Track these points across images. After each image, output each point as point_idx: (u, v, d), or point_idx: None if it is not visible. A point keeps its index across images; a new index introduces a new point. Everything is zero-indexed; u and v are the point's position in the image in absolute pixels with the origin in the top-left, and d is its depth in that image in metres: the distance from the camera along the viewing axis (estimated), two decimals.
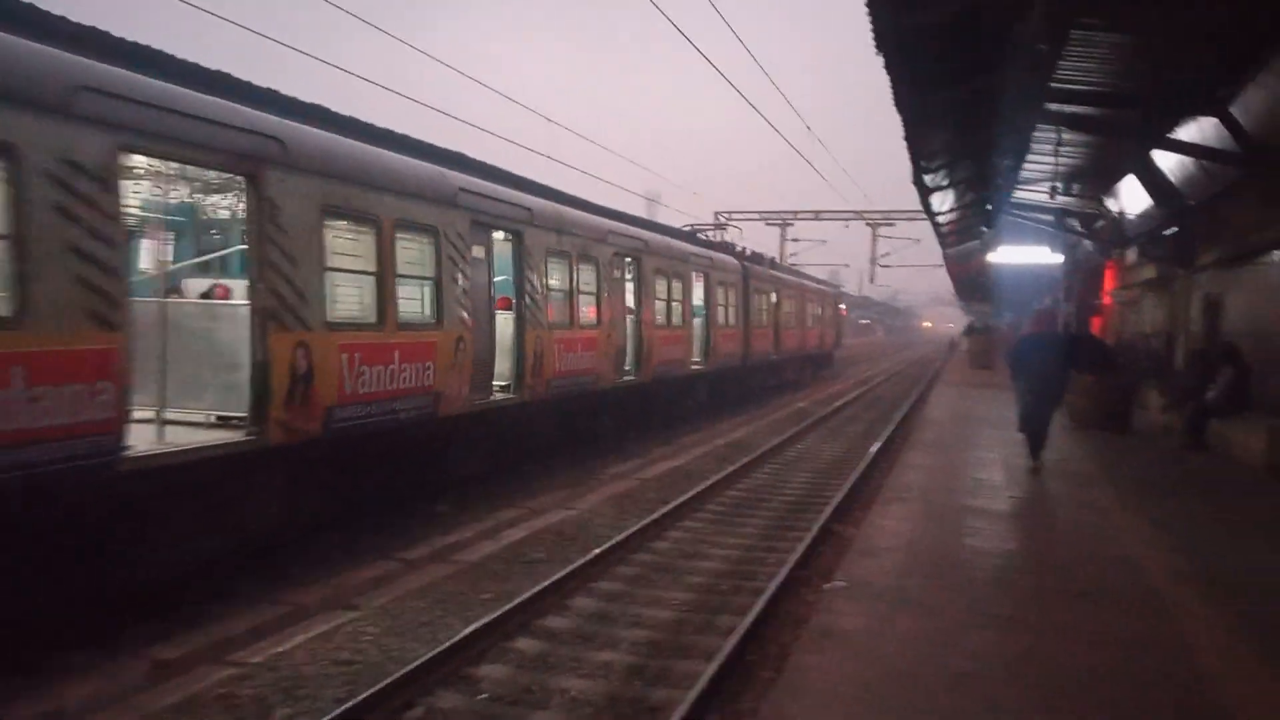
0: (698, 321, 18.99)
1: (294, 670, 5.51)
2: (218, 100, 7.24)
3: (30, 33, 5.95)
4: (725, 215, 42.99)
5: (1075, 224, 21.40)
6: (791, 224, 43.27)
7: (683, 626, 6.52)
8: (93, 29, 7.00)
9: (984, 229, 21.88)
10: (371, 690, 4.93)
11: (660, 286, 16.46)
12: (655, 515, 9.43)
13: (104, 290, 5.92)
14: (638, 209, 31.76)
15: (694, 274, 18.58)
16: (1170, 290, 18.52)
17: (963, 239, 27.29)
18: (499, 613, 6.28)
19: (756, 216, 43.43)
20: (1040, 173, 16.24)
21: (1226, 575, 6.42)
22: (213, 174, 7.81)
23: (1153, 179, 14.79)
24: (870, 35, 8.23)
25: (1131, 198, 17.04)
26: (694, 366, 18.64)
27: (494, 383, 11.12)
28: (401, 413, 9.03)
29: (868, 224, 41.91)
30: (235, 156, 7.14)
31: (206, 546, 7.17)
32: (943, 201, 19.12)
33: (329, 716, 4.64)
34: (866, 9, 7.76)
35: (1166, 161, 14.11)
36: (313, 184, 7.85)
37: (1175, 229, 15.80)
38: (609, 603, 7.01)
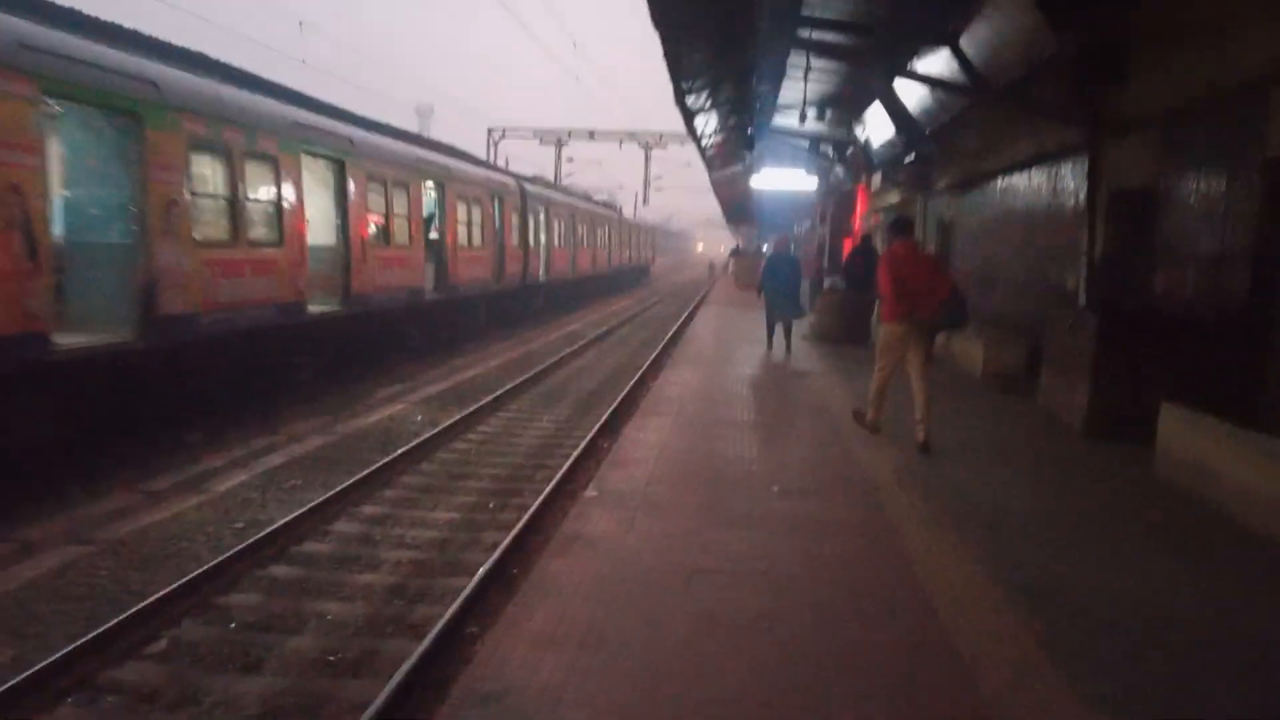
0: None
1: (20, 609, 5.06)
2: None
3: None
4: (499, 132, 41.93)
5: (829, 150, 22.44)
6: (566, 143, 42.87)
7: (447, 545, 6.46)
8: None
9: (745, 152, 22.53)
10: (107, 625, 4.59)
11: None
12: (424, 436, 9.22)
13: None
14: (409, 123, 30.54)
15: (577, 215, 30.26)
16: (910, 214, 19.93)
17: (727, 163, 28.05)
18: (250, 540, 6.00)
19: (531, 134, 42.69)
20: (797, 99, 16.82)
21: (936, 473, 7.03)
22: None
23: (895, 107, 15.63)
24: None
25: (877, 125, 17.99)
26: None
27: None
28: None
29: (640, 145, 42.21)
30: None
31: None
32: (706, 124, 19.47)
33: (59, 653, 4.29)
34: None
35: (907, 91, 14.95)
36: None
37: (914, 156, 16.88)
38: (372, 526, 6.82)
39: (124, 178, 8.76)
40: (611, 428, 9.58)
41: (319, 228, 12.67)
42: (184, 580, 5.26)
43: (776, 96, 17.06)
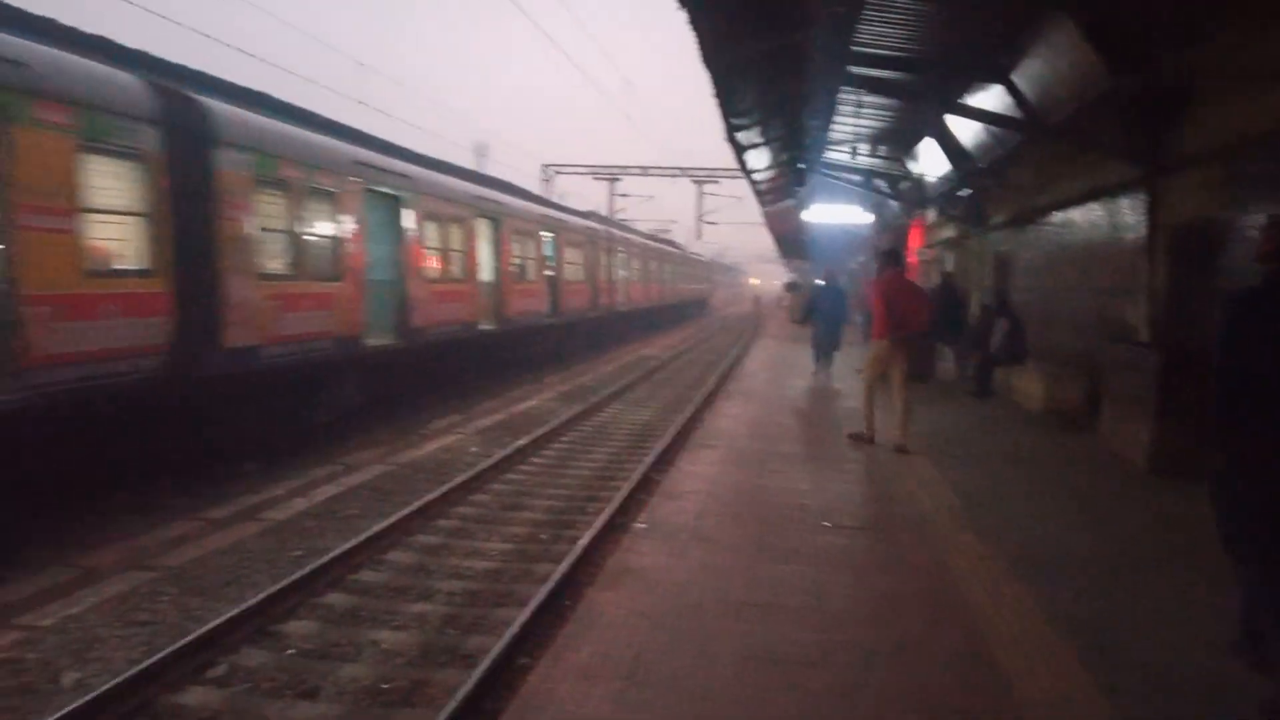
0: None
1: (85, 633, 5.25)
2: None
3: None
4: (554, 169, 42.51)
5: (882, 184, 22.34)
6: (620, 179, 43.32)
7: (500, 576, 6.52)
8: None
9: (797, 188, 22.52)
10: (168, 650, 4.75)
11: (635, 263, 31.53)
12: (479, 468, 9.33)
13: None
14: (467, 162, 31.28)
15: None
16: (966, 248, 19.75)
17: (779, 198, 28.04)
18: (308, 569, 6.15)
19: (585, 171, 43.23)
20: (849, 134, 16.83)
21: (993, 510, 6.92)
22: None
23: (948, 143, 15.58)
24: None
25: (931, 160, 17.91)
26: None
27: None
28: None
29: (693, 181, 42.49)
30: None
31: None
32: (758, 160, 19.52)
33: (121, 677, 4.43)
34: None
35: (960, 126, 14.89)
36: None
37: (968, 190, 16.76)
38: (427, 556, 6.93)
39: (389, 239, 13.11)
40: (665, 459, 9.60)
41: (484, 268, 16.82)
42: (242, 608, 5.39)
43: (827, 132, 17.08)
